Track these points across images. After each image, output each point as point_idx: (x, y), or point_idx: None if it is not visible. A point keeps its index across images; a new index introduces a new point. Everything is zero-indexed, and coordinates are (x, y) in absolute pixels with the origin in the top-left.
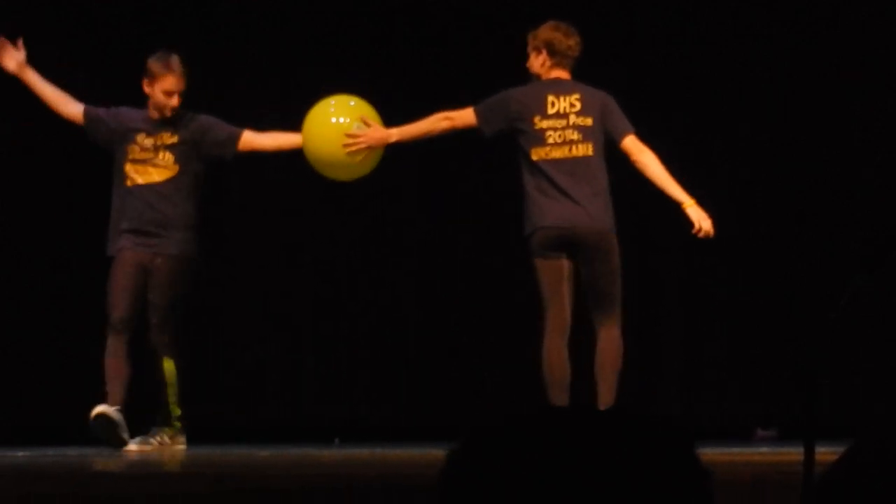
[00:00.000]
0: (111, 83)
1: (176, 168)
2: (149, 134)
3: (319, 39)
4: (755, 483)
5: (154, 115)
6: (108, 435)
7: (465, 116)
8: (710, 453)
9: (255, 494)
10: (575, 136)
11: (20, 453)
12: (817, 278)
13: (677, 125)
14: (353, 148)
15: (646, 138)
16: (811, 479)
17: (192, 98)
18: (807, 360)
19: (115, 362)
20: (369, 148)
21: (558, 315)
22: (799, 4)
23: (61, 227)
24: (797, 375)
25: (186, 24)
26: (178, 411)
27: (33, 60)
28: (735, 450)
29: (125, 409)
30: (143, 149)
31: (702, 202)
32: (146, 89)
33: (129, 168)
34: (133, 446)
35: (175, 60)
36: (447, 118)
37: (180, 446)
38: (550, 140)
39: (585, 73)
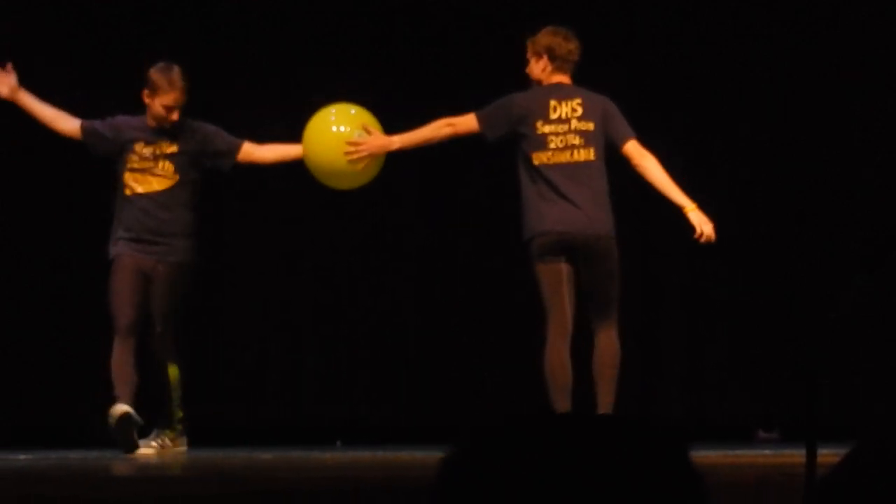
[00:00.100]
0: (111, 84)
1: (176, 177)
2: (147, 143)
3: (319, 39)
4: (758, 485)
5: (152, 123)
6: (126, 437)
7: (468, 122)
8: (712, 455)
9: (261, 497)
10: (577, 140)
11: (21, 456)
12: (817, 278)
13: (677, 125)
14: (355, 156)
15: (646, 138)
16: (814, 480)
17: (191, 99)
18: (807, 360)
19: (124, 368)
20: (371, 155)
21: (560, 319)
22: (799, 4)
23: (61, 229)
24: (797, 375)
25: (186, 25)
26: (180, 413)
27: (34, 59)
28: (737, 452)
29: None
30: (142, 158)
31: (702, 204)
32: (146, 99)
33: (127, 177)
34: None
35: (177, 76)
36: (449, 124)
37: (182, 447)
38: (552, 145)
39: (585, 73)
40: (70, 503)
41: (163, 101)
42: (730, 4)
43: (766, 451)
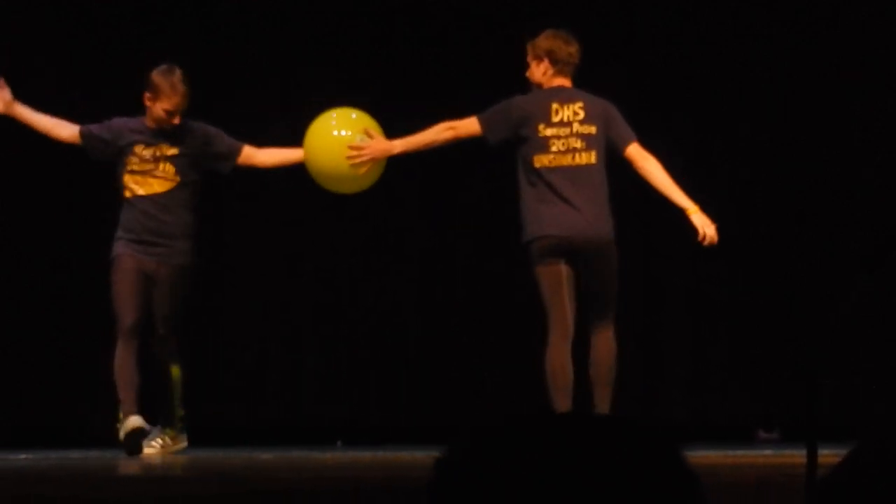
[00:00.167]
0: (111, 84)
1: (177, 179)
2: (147, 145)
3: (319, 39)
4: (759, 485)
5: (152, 125)
6: (132, 446)
7: (469, 125)
8: (713, 456)
9: (261, 497)
10: (578, 144)
11: (22, 456)
12: (817, 278)
13: (677, 125)
14: (357, 160)
15: (646, 139)
16: (814, 480)
17: (192, 99)
18: (807, 360)
19: (127, 371)
20: (373, 159)
21: (560, 320)
22: (799, 4)
23: (62, 229)
24: (797, 375)
25: (186, 26)
26: (180, 412)
27: (34, 60)
28: (738, 452)
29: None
30: (143, 160)
31: (702, 205)
32: (147, 102)
33: (128, 179)
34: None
35: (179, 80)
36: (451, 128)
37: (182, 445)
38: (554, 148)
39: (585, 73)
40: (70, 503)
41: (164, 105)
42: (730, 4)
43: (767, 452)
